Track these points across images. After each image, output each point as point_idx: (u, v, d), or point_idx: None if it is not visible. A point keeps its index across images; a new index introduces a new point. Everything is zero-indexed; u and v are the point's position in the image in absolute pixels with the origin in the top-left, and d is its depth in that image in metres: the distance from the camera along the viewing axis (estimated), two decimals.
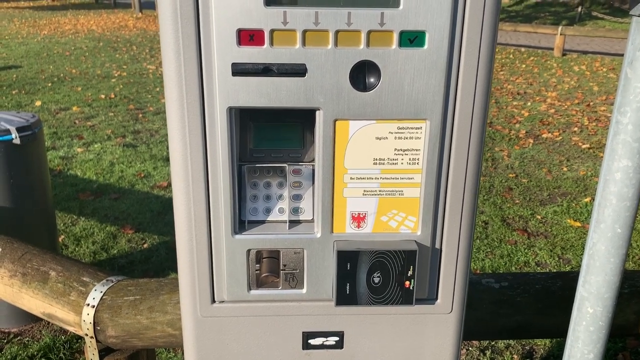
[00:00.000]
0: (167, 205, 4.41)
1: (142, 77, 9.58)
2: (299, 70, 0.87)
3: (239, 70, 0.87)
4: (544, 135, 6.39)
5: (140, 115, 7.06)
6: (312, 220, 1.00)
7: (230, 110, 0.90)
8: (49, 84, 8.81)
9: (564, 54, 12.15)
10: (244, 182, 0.99)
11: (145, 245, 3.80)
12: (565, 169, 5.35)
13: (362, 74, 0.89)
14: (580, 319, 1.19)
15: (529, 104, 7.90)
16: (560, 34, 11.98)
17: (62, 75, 9.60)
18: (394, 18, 0.85)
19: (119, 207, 4.38)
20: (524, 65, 11.07)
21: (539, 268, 3.59)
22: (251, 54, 0.86)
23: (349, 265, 0.97)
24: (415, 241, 0.99)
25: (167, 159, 5.46)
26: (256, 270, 1.00)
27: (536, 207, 4.49)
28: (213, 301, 1.02)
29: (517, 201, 4.59)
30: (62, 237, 3.87)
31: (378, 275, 0.97)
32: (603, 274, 1.13)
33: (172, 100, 0.89)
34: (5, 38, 14.27)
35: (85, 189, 4.71)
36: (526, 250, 3.78)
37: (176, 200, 0.96)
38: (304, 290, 1.01)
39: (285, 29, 0.85)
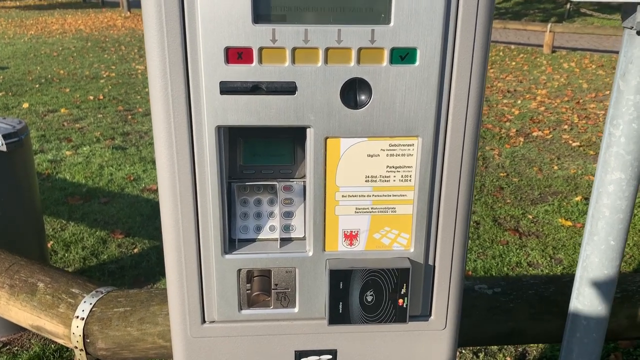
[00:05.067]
0: (157, 209, 4.37)
1: (130, 77, 9.51)
2: (288, 89, 0.85)
3: (228, 88, 0.85)
4: (535, 134, 6.42)
5: (130, 116, 7.00)
6: (303, 238, 0.99)
7: (219, 129, 0.88)
8: (37, 86, 8.71)
9: (553, 51, 12.20)
10: (234, 200, 0.98)
11: (135, 250, 3.77)
12: (555, 167, 5.38)
13: (353, 91, 0.88)
14: (574, 330, 1.19)
15: (519, 102, 7.93)
16: (550, 31, 12.02)
17: (49, 76, 9.50)
18: (384, 35, 0.84)
19: (109, 211, 4.34)
20: (513, 63, 11.11)
21: (531, 268, 3.60)
22: (240, 72, 0.84)
23: (341, 284, 0.95)
24: (409, 258, 0.97)
25: None
26: (247, 289, 0.98)
27: (527, 206, 4.50)
28: (203, 321, 1.00)
29: (509, 201, 4.60)
30: (51, 242, 3.83)
31: (371, 294, 0.96)
32: (597, 286, 1.13)
33: (158, 119, 0.87)
34: None
35: (74, 193, 4.66)
36: (518, 251, 3.79)
37: (164, 220, 0.94)
38: (296, 309, 1.00)
39: (274, 46, 0.83)
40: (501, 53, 12.34)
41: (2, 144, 2.63)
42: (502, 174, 5.17)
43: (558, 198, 4.65)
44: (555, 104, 7.82)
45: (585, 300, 1.15)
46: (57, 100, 7.78)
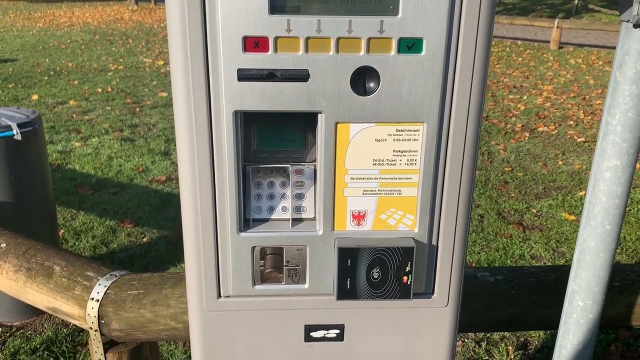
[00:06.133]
0: (165, 200, 4.44)
1: (138, 70, 9.58)
2: (301, 76, 0.91)
3: (245, 75, 0.90)
4: (540, 129, 6.44)
5: (138, 109, 7.07)
6: (314, 219, 1.04)
7: (236, 113, 0.93)
8: (46, 78, 8.80)
9: (560, 47, 12.18)
10: (249, 182, 1.03)
11: (144, 239, 3.84)
12: (560, 162, 5.41)
13: (363, 79, 0.93)
14: (571, 311, 1.24)
15: (525, 97, 7.94)
16: (557, 27, 12.00)
17: (58, 68, 9.58)
18: (392, 26, 0.89)
19: (118, 201, 4.41)
20: (520, 59, 11.10)
21: (534, 261, 3.65)
22: (256, 60, 0.90)
23: (349, 262, 1.01)
24: (413, 238, 1.03)
25: (165, 153, 5.49)
26: (260, 266, 1.04)
27: (531, 200, 4.55)
28: (219, 296, 1.06)
29: (513, 195, 4.64)
30: (62, 231, 3.90)
31: (377, 271, 1.01)
32: (593, 268, 1.18)
33: (180, 104, 0.93)
34: (0, 31, 14.19)
35: (84, 184, 4.74)
36: (521, 244, 3.84)
37: (184, 200, 1.00)
38: (306, 285, 1.06)
39: (288, 36, 0.89)
40: (508, 49, 12.33)
41: (17, 133, 2.70)
42: (507, 169, 5.21)
43: (562, 193, 4.69)
44: (561, 99, 7.83)
45: (582, 282, 1.20)
46: (65, 92, 7.86)
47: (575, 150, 5.75)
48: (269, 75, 0.91)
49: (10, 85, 8.23)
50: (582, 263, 1.18)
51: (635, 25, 1.01)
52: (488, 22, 0.91)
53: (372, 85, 0.93)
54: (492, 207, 4.40)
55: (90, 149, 5.58)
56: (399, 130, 0.96)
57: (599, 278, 1.18)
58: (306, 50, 0.90)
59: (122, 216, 4.16)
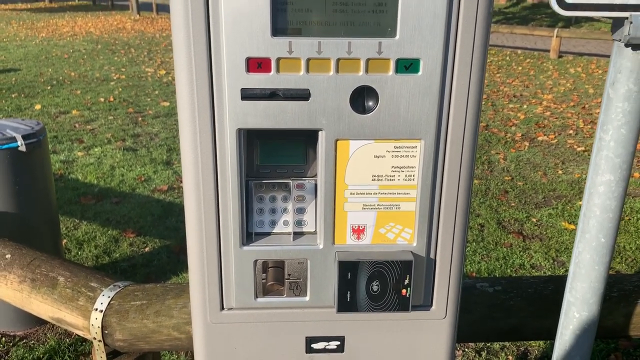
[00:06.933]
0: (167, 209, 4.47)
1: (140, 80, 9.64)
2: (303, 95, 0.94)
3: (248, 94, 0.93)
4: (540, 138, 6.47)
5: (140, 118, 7.11)
6: (315, 232, 1.07)
7: (239, 131, 0.97)
8: (48, 87, 8.86)
9: (560, 56, 12.24)
10: (251, 197, 1.06)
11: (146, 249, 3.86)
12: (560, 171, 5.43)
13: (362, 98, 0.96)
14: (568, 323, 1.26)
15: (525, 106, 7.98)
16: (557, 36, 12.07)
17: (61, 78, 9.65)
18: (390, 47, 0.92)
19: (120, 211, 4.44)
20: (520, 68, 11.16)
21: (534, 270, 3.67)
22: (259, 80, 0.93)
23: (349, 275, 1.03)
24: (411, 252, 1.05)
25: (167, 163, 5.52)
26: (262, 279, 1.07)
27: (531, 210, 4.57)
28: (222, 308, 1.09)
29: (513, 204, 4.67)
30: (65, 241, 3.93)
31: (377, 284, 1.04)
32: (588, 280, 1.20)
33: (185, 122, 0.96)
34: (3, 41, 14.30)
35: (86, 193, 4.77)
36: (521, 253, 3.85)
37: (188, 214, 1.03)
38: (307, 298, 1.08)
39: (290, 57, 0.92)
40: (508, 58, 12.39)
41: (22, 144, 2.73)
42: (507, 178, 5.24)
43: (562, 202, 4.71)
44: (561, 108, 7.87)
45: (577, 294, 1.22)
46: (68, 102, 7.91)
47: (575, 160, 5.78)
48: (272, 95, 0.94)
49: (13, 95, 8.29)
50: (577, 275, 1.21)
51: (627, 44, 1.04)
52: (483, 44, 0.94)
53: (371, 103, 0.96)
54: (492, 216, 4.42)
55: (92, 158, 5.61)
56: (397, 147, 0.99)
57: (594, 290, 1.20)
58: (307, 70, 0.93)
59: (125, 226, 4.18)
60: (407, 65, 0.93)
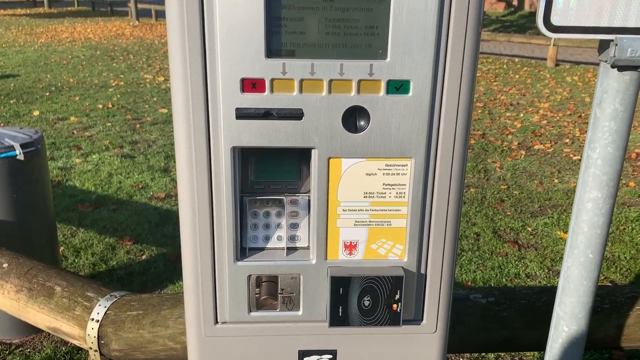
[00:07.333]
0: (164, 217, 4.49)
1: (139, 86, 9.67)
2: (296, 115, 0.96)
3: (242, 114, 0.96)
4: (536, 147, 6.51)
5: (138, 125, 7.13)
6: (307, 248, 1.09)
7: (234, 149, 0.99)
8: (47, 93, 8.88)
9: (557, 65, 12.31)
10: (245, 212, 1.08)
11: (143, 257, 3.87)
12: (556, 180, 5.46)
13: (354, 118, 0.99)
14: (557, 336, 1.28)
15: (521, 115, 8.03)
16: (553, 45, 12.14)
17: (59, 84, 9.67)
18: (381, 69, 0.95)
19: (118, 218, 4.45)
20: (517, 76, 11.22)
21: (529, 280, 3.68)
22: (253, 100, 0.95)
23: (341, 290, 1.05)
24: (402, 267, 1.07)
25: (164, 170, 5.54)
26: (256, 293, 1.09)
27: (527, 219, 4.59)
28: (216, 322, 1.10)
29: (509, 213, 4.69)
30: (62, 248, 3.94)
31: (368, 299, 1.06)
32: (577, 295, 1.22)
33: (181, 140, 0.98)
34: (2, 46, 14.33)
35: (84, 200, 4.78)
36: (517, 262, 3.87)
37: (183, 229, 1.05)
38: (300, 312, 1.10)
39: (284, 78, 0.94)
40: (505, 66, 12.45)
41: (20, 153, 2.75)
42: (503, 187, 5.26)
43: (557, 211, 4.74)
44: (558, 117, 7.91)
45: (566, 309, 1.24)
46: (66, 108, 7.93)
47: (571, 169, 5.81)
48: (266, 114, 0.96)
49: (11, 101, 8.31)
50: (566, 290, 1.23)
51: (613, 66, 1.07)
52: (471, 65, 0.97)
53: (362, 123, 0.99)
54: (488, 225, 4.44)
55: (90, 165, 5.63)
56: (389, 165, 1.02)
57: (582, 304, 1.22)
58: (300, 91, 0.95)
59: (122, 233, 4.19)
60: (398, 87, 0.96)
